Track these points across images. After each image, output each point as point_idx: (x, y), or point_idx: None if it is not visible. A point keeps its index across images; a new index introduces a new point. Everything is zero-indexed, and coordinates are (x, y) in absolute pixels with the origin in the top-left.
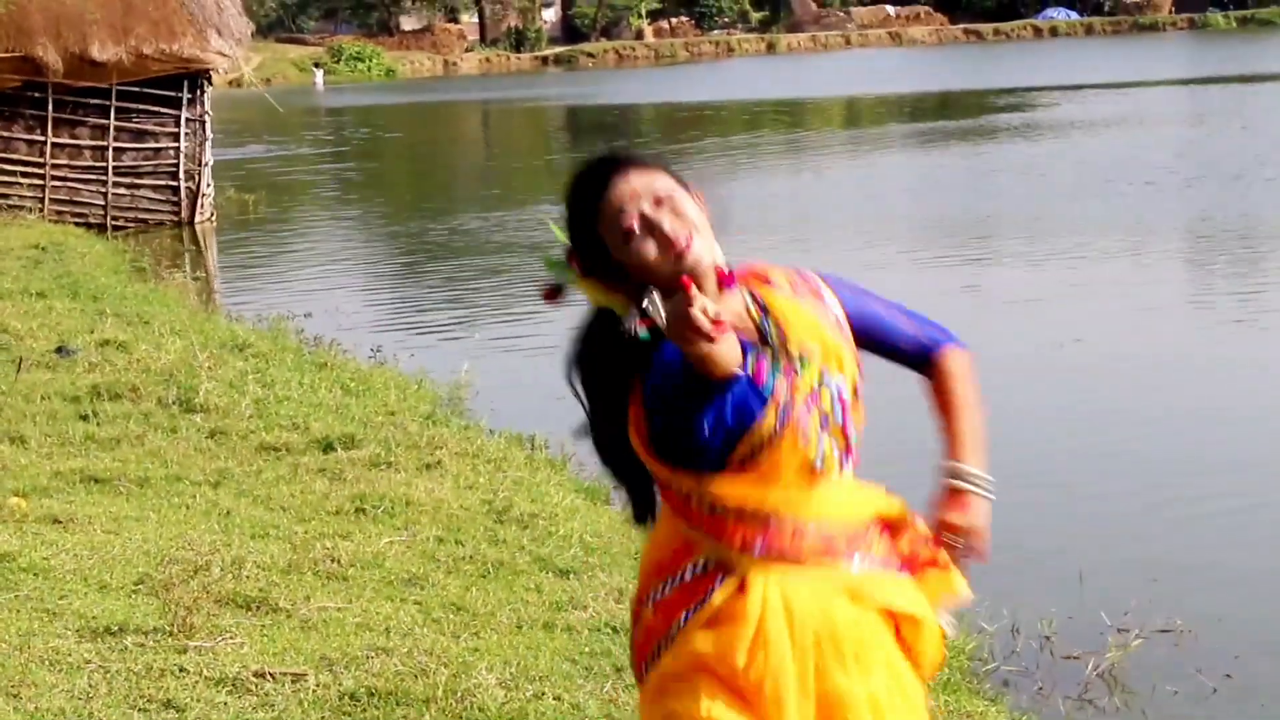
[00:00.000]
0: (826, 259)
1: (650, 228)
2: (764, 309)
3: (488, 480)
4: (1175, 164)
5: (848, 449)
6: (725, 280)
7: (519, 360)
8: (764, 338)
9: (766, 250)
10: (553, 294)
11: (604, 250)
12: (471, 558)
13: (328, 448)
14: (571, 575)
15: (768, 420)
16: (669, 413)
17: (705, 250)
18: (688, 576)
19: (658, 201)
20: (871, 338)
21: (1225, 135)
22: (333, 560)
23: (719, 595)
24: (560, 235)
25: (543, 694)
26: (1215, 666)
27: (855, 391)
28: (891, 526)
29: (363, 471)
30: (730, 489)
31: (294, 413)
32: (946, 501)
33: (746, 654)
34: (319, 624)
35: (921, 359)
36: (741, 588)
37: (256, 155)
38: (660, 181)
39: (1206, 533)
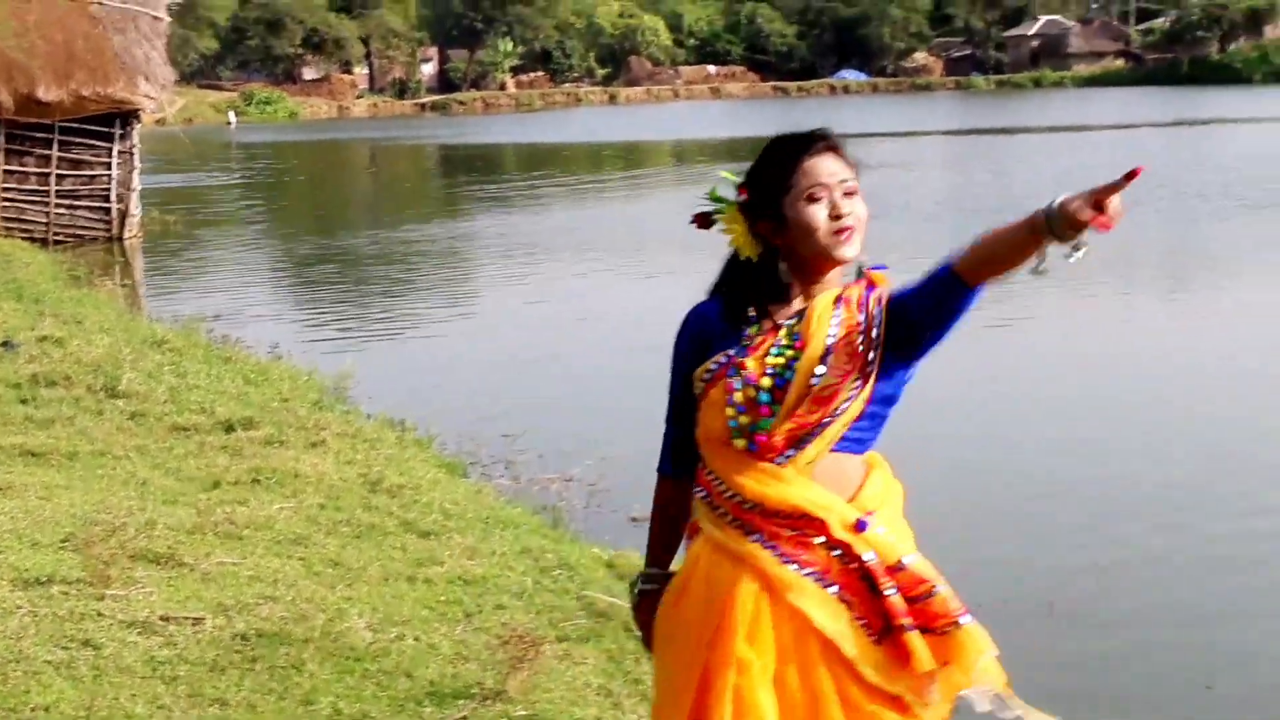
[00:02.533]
0: (664, 267)
1: (834, 205)
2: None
3: (364, 456)
4: (944, 199)
5: (785, 438)
6: (871, 278)
7: (395, 355)
8: (791, 319)
9: (612, 258)
10: (703, 221)
11: (775, 200)
12: (348, 521)
13: (229, 429)
14: (431, 536)
15: (715, 360)
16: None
17: (857, 247)
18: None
19: (848, 192)
20: (908, 304)
21: (984, 176)
22: (231, 523)
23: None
24: (730, 177)
25: (404, 636)
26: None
27: (810, 376)
28: (826, 531)
29: (259, 449)
30: (699, 435)
31: (202, 399)
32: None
33: (672, 601)
34: (217, 576)
35: (940, 269)
36: (692, 537)
37: (178, 183)
38: (853, 179)
39: (961, 504)
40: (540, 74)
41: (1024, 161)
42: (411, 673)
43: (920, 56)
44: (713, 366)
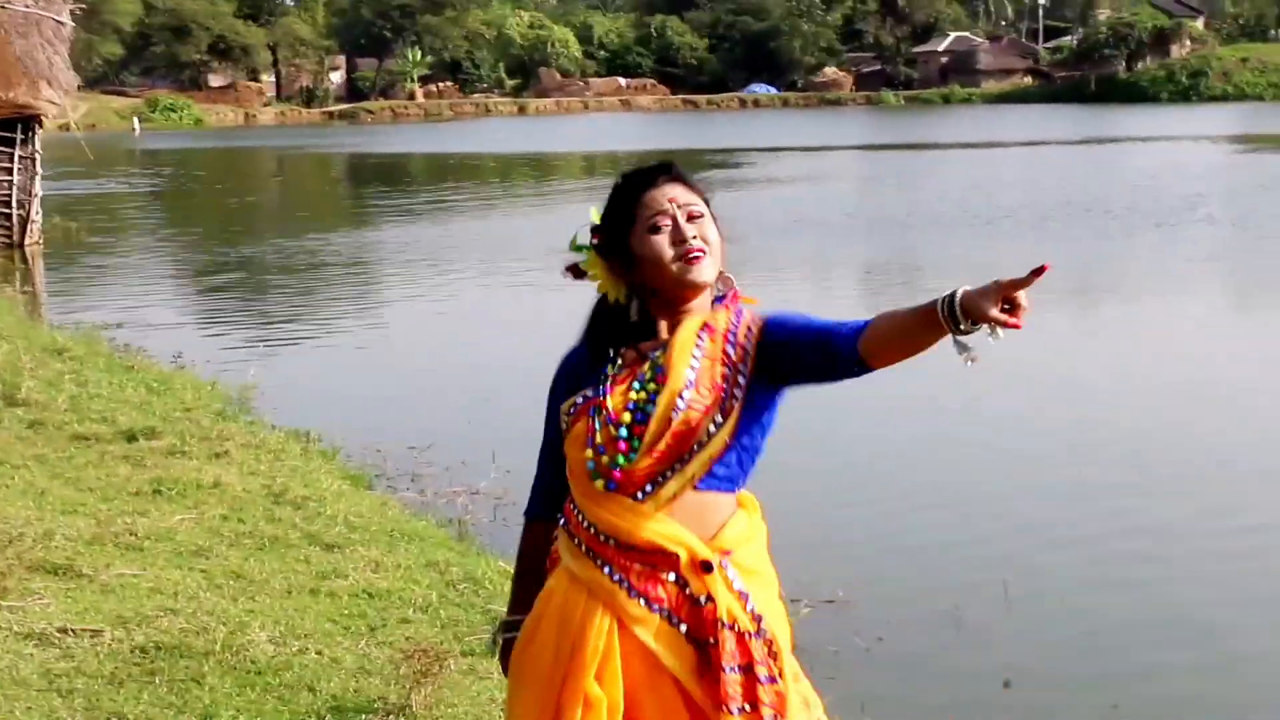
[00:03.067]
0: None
1: (678, 232)
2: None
3: (268, 468)
4: (854, 213)
5: (642, 474)
6: (732, 297)
7: (300, 365)
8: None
9: (518, 269)
10: (574, 272)
11: (623, 238)
12: (251, 533)
13: (131, 438)
14: (336, 549)
15: (577, 396)
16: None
17: (710, 269)
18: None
19: (691, 217)
20: (796, 342)
21: (893, 191)
22: (131, 534)
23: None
24: (595, 217)
25: (307, 649)
26: (870, 630)
27: (669, 418)
28: (676, 567)
29: (161, 459)
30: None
31: (104, 408)
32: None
33: (521, 647)
34: (117, 588)
35: (851, 332)
36: (552, 569)
37: (81, 189)
38: (699, 203)
39: (865, 511)
40: (449, 84)
41: (933, 177)
42: (314, 687)
43: (830, 71)
44: (578, 401)
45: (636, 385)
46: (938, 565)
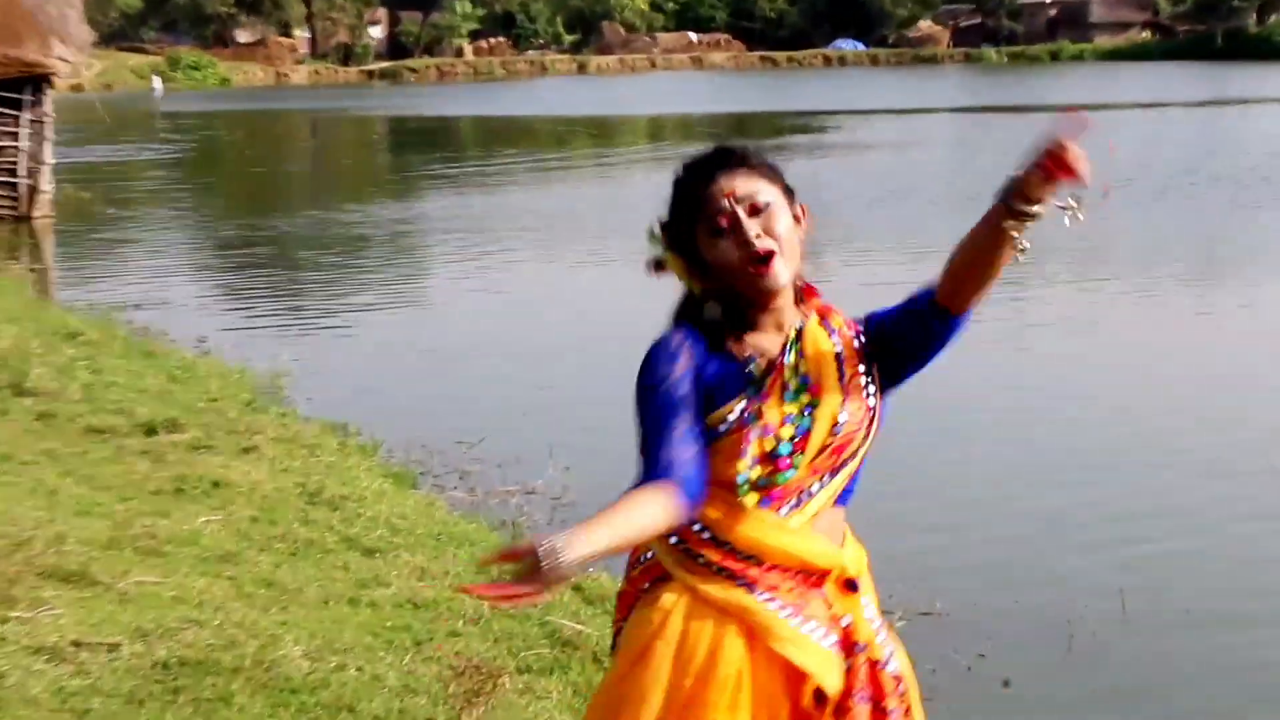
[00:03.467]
0: (627, 255)
1: (741, 234)
2: (799, 332)
3: (301, 464)
4: (950, 182)
5: (794, 488)
6: (809, 295)
7: (335, 352)
8: (782, 355)
9: (578, 246)
10: (656, 266)
11: (689, 240)
12: (283, 536)
13: (151, 431)
14: (377, 554)
15: (734, 405)
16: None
17: (784, 270)
18: (643, 559)
19: (754, 209)
20: (885, 326)
21: (995, 158)
22: (151, 537)
23: (643, 602)
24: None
25: (345, 665)
26: (970, 646)
27: (831, 431)
28: (819, 585)
29: (183, 454)
30: None
31: (120, 398)
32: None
33: (630, 664)
34: (136, 597)
35: (924, 293)
36: (655, 594)
37: (96, 156)
38: (764, 190)
39: (966, 517)
40: (501, 40)
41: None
42: (354, 707)
43: (925, 25)
44: (736, 410)
45: (788, 396)
46: (1046, 574)
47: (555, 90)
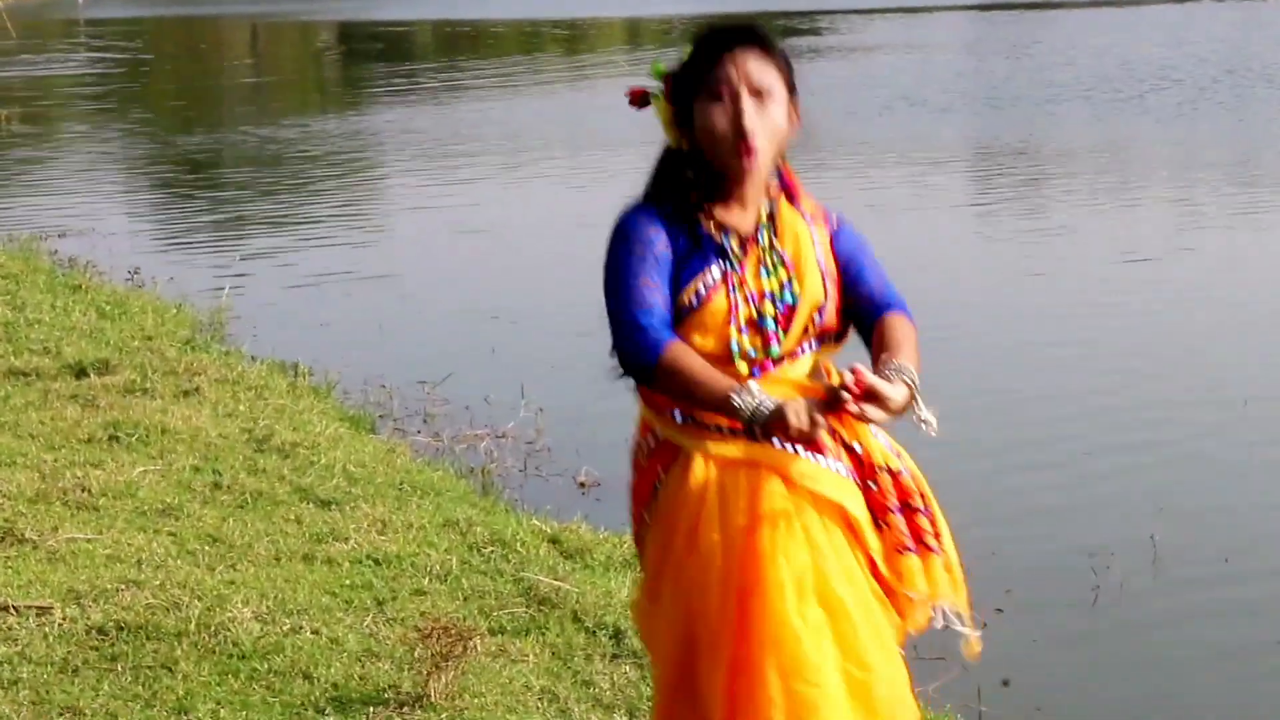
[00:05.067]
0: (601, 173)
1: (737, 113)
2: (772, 214)
3: (248, 408)
4: (957, 88)
5: (784, 354)
6: (791, 188)
7: (283, 285)
8: (756, 234)
9: (547, 163)
10: (639, 97)
11: (688, 97)
12: (229, 487)
13: (80, 373)
14: (333, 506)
15: (705, 276)
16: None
17: (764, 161)
18: (652, 443)
19: (757, 92)
20: (846, 273)
21: (1007, 61)
22: (83, 490)
23: (667, 484)
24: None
25: (300, 628)
26: (987, 599)
27: (814, 315)
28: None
29: (117, 398)
30: None
31: (45, 336)
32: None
33: (682, 544)
34: (67, 555)
35: (875, 310)
36: (684, 473)
37: (10, 70)
38: (770, 77)
39: (981, 458)
40: None
41: (1057, 42)
42: (310, 673)
43: None
44: (709, 280)
45: (764, 273)
46: (1070, 518)
47: None
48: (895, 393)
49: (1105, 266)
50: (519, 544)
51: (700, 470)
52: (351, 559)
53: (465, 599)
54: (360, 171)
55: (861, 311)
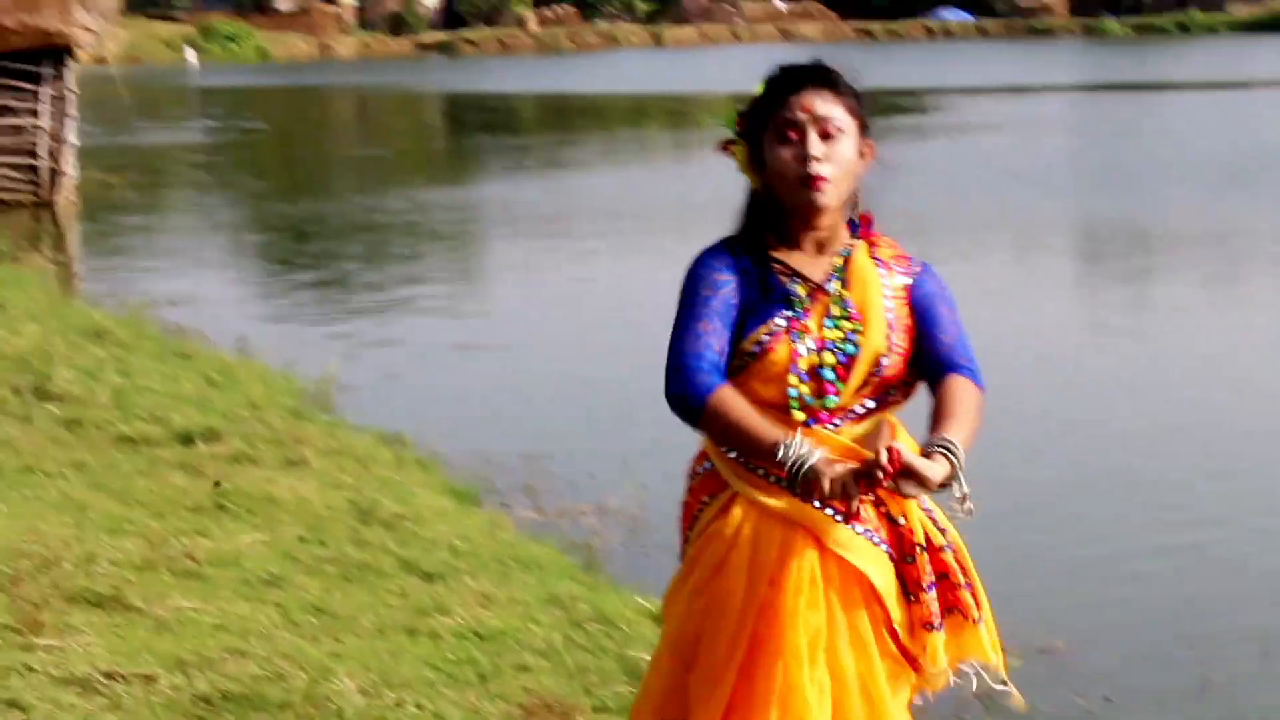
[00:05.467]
0: (708, 241)
1: (803, 148)
2: (846, 261)
3: (353, 479)
4: (1068, 168)
5: (839, 409)
6: (865, 223)
7: (389, 354)
8: (826, 283)
9: (655, 236)
10: (724, 146)
11: (758, 137)
12: (334, 559)
13: (188, 441)
14: (437, 579)
15: (770, 324)
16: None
17: (832, 195)
18: (703, 469)
19: (826, 133)
20: (919, 323)
21: (1119, 141)
22: (189, 558)
23: (707, 512)
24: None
25: (404, 701)
26: (1095, 688)
27: (876, 365)
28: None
29: (224, 466)
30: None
31: (154, 404)
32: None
33: (707, 576)
34: (173, 624)
35: (941, 370)
36: (725, 508)
37: (123, 135)
38: (842, 117)
39: (1087, 552)
40: (569, 8)
41: (1168, 123)
42: None
43: None
44: (773, 328)
45: (829, 323)
46: (1180, 612)
47: (628, 65)
48: (933, 471)
49: (1218, 347)
50: (623, 621)
51: (738, 514)
52: (455, 633)
53: (568, 676)
54: (466, 242)
55: (928, 367)
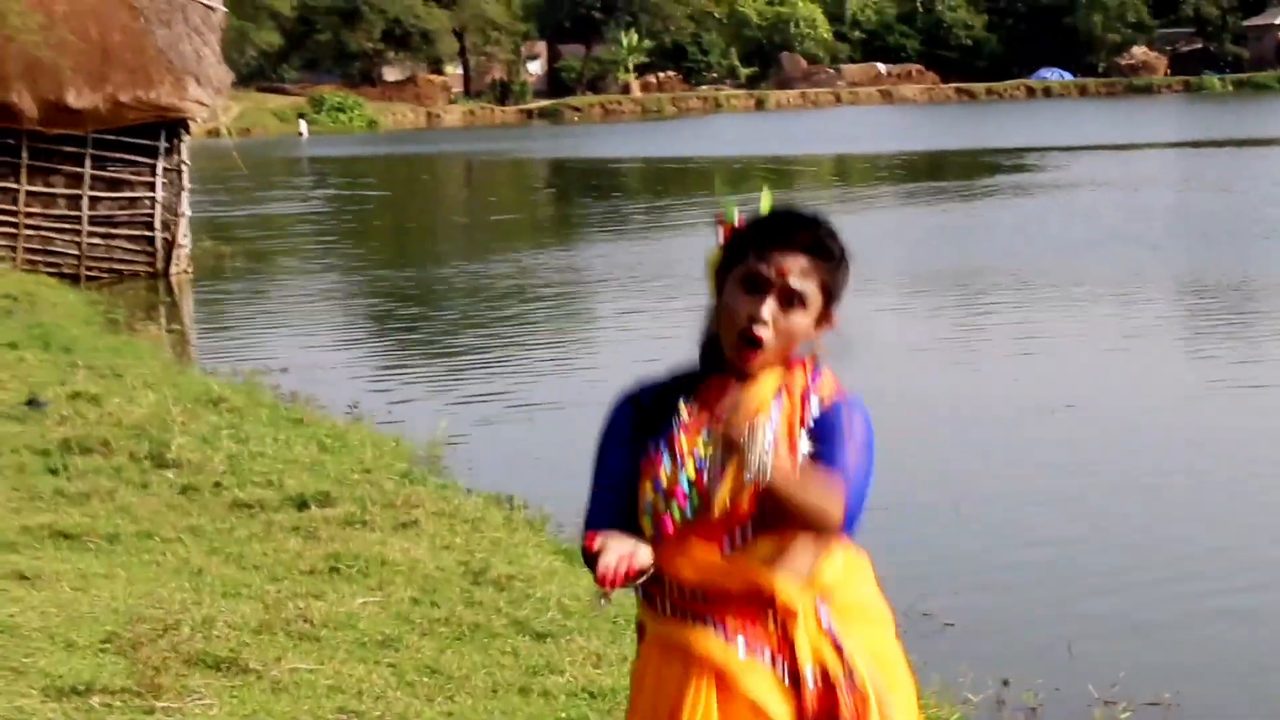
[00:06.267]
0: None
1: (756, 309)
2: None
3: (464, 540)
4: (1172, 224)
5: (735, 529)
6: (790, 367)
7: (497, 418)
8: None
9: None
10: (722, 221)
11: (727, 270)
12: (447, 619)
13: (302, 505)
14: (548, 639)
15: (650, 452)
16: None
17: (762, 364)
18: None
19: (787, 297)
20: (815, 447)
21: (1222, 197)
22: (305, 620)
23: (635, 654)
24: (768, 199)
25: None
26: None
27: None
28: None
29: (337, 530)
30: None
31: (268, 469)
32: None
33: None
34: (290, 686)
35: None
36: (642, 651)
37: (237, 206)
38: (810, 283)
39: (1196, 605)
40: (671, 74)
41: (1273, 180)
42: None
43: (1139, 51)
44: (660, 441)
45: (704, 438)
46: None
47: (731, 128)
48: (739, 433)
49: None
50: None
51: (644, 654)
52: (567, 692)
53: None
54: (576, 304)
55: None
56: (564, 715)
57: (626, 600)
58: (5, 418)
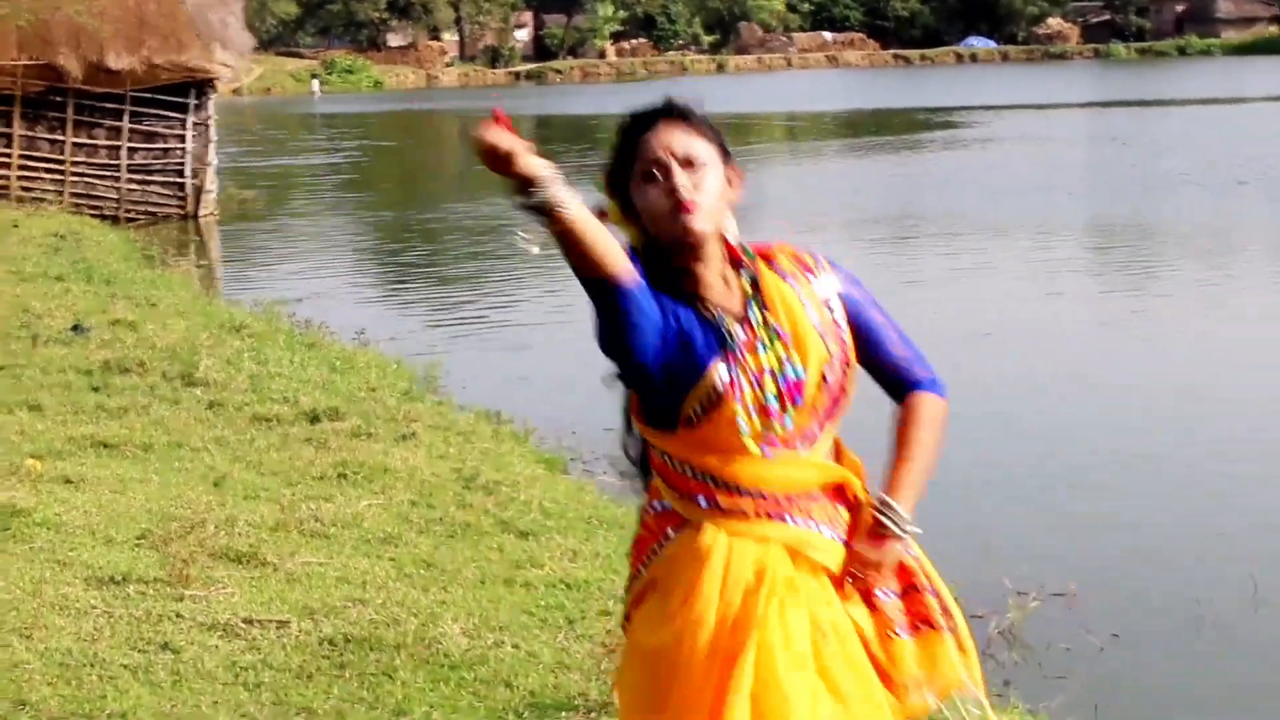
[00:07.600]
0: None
1: (668, 182)
2: (755, 284)
3: (457, 451)
4: (1084, 176)
5: (798, 433)
6: (735, 257)
7: (488, 342)
8: (746, 311)
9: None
10: (600, 215)
11: (624, 187)
12: (441, 520)
13: (314, 419)
14: (530, 537)
15: (711, 376)
16: (641, 359)
17: (707, 222)
18: (656, 508)
19: (688, 163)
20: (859, 337)
21: (1127, 152)
22: (316, 520)
23: (678, 542)
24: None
25: (502, 642)
26: (1104, 626)
27: (823, 377)
28: (844, 498)
29: (345, 441)
30: (681, 448)
31: (284, 388)
32: (866, 532)
33: (679, 600)
34: (302, 577)
35: (898, 388)
36: (698, 530)
37: (257, 156)
38: (701, 148)
39: (1101, 501)
40: (643, 41)
41: (1172, 136)
42: (510, 682)
43: (1054, 22)
44: (721, 373)
45: (762, 350)
46: (1178, 557)
47: (695, 89)
48: (877, 556)
49: (1216, 330)
50: None
51: (710, 534)
52: (546, 583)
53: None
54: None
55: (885, 383)
56: (543, 603)
57: (599, 502)
58: (53, 341)
